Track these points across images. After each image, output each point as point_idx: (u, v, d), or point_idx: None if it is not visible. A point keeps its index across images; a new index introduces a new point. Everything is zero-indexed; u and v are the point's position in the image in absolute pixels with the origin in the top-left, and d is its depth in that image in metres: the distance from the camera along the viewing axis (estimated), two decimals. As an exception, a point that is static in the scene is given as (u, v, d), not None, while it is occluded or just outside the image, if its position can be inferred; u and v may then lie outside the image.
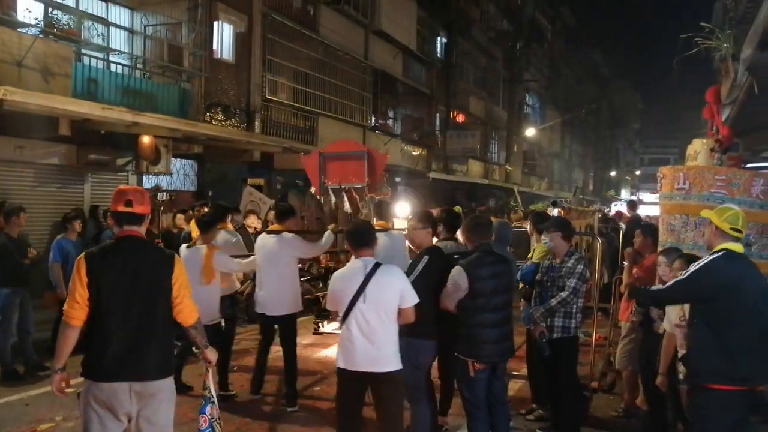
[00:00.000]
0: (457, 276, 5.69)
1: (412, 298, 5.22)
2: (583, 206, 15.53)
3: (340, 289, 5.22)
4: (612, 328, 10.35)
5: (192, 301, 4.51)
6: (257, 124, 17.48)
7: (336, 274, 5.52)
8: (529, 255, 7.84)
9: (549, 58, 48.84)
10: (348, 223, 10.02)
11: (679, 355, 5.48)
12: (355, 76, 22.34)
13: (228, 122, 16.56)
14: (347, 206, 10.48)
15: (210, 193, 15.64)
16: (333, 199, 10.68)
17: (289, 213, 8.09)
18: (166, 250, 4.60)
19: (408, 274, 5.99)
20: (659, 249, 7.06)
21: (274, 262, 7.71)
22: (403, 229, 9.18)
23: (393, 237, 8.18)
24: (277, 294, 7.69)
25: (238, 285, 8.77)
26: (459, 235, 7.52)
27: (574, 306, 6.48)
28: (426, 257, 6.00)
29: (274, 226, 8.11)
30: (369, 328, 5.10)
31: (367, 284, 5.11)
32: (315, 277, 11.12)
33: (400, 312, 5.21)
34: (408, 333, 5.91)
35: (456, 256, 6.36)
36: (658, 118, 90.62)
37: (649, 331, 6.29)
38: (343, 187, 10.73)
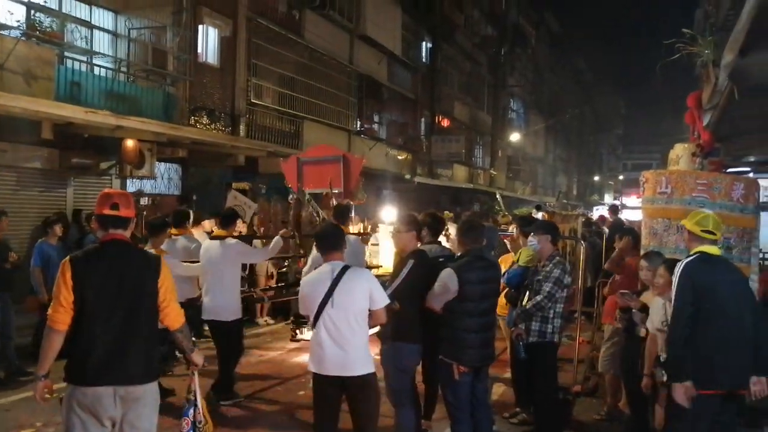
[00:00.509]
0: (447, 278, 5.70)
1: (381, 299, 5.18)
2: (567, 210, 15.58)
3: (308, 294, 5.18)
4: (595, 332, 10.42)
5: (178, 304, 4.49)
6: (242, 127, 17.45)
7: (304, 278, 5.51)
8: (514, 258, 7.87)
9: (533, 64, 49.08)
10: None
11: (661, 359, 5.52)
12: (340, 80, 22.36)
13: (213, 126, 16.52)
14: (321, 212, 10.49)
15: (194, 198, 15.57)
16: (311, 203, 10.68)
17: (232, 218, 8.10)
18: (151, 254, 4.60)
19: (393, 277, 6.04)
20: (641, 252, 7.11)
21: (218, 267, 7.74)
22: (362, 234, 9.56)
23: (349, 242, 8.17)
24: (221, 300, 7.70)
25: (196, 291, 8.65)
26: (442, 238, 7.57)
27: (551, 311, 6.49)
28: (411, 261, 5.99)
29: (218, 232, 8.10)
30: (338, 333, 5.05)
31: (335, 289, 5.06)
32: (291, 284, 11.06)
33: (371, 314, 5.16)
34: (393, 337, 5.93)
35: (441, 260, 6.40)
36: (641, 123, 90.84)
37: (632, 334, 6.34)
38: (322, 192, 10.73)
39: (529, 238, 6.96)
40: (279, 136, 18.84)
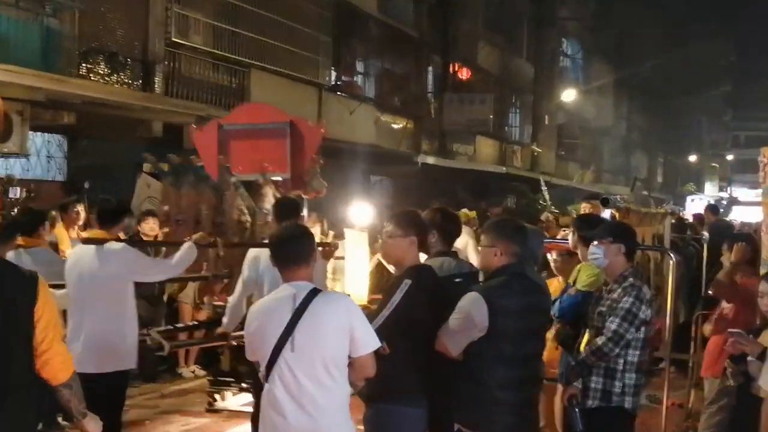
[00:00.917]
0: (472, 307, 5.67)
1: (368, 341, 5.16)
2: (648, 207, 15.62)
3: (258, 330, 5.18)
4: (692, 390, 10.45)
5: (64, 347, 4.55)
6: (158, 80, 17.52)
7: (253, 307, 5.49)
8: (571, 279, 7.85)
9: (597, -14, 49.18)
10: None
11: None
12: (306, 10, 22.37)
13: (115, 78, 16.55)
14: (267, 205, 10.01)
15: (86, 185, 15.58)
16: (243, 193, 10.22)
17: (118, 214, 7.68)
18: (25, 270, 4.63)
19: (381, 307, 5.91)
20: (762, 270, 7.17)
21: (93, 289, 7.26)
22: (322, 244, 8.79)
23: None
24: (97, 342, 7.17)
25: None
26: (462, 247, 7.57)
27: (620, 360, 6.44)
28: (407, 282, 5.83)
29: (94, 233, 7.76)
30: (300, 391, 5.03)
31: (296, 324, 5.02)
32: (212, 321, 10.05)
33: (352, 363, 5.16)
34: (380, 396, 5.85)
35: (457, 280, 6.40)
36: (758, 76, 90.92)
37: (748, 394, 6.34)
38: (257, 178, 10.25)
39: (591, 247, 6.87)
40: (214, 93, 18.93)
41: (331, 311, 5.08)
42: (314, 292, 5.10)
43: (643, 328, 6.46)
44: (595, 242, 6.75)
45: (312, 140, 10.47)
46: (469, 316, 5.65)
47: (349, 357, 5.12)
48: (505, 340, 5.67)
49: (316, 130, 10.77)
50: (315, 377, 5.03)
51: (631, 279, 6.56)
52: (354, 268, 9.25)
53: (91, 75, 16.00)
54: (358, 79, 27.48)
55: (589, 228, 7.49)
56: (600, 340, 6.37)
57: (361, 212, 10.48)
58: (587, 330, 6.69)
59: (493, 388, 5.67)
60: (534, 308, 5.87)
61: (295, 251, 5.26)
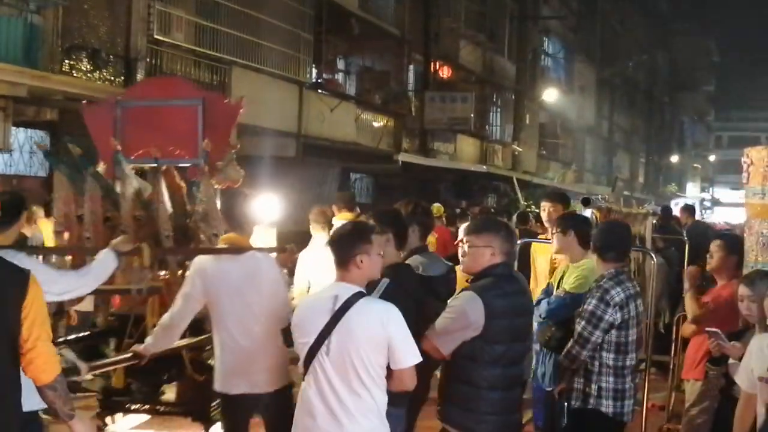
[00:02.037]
0: (469, 305, 5.71)
1: (409, 355, 5.13)
2: (630, 207, 15.82)
3: (296, 326, 5.26)
4: (672, 392, 10.50)
5: (51, 346, 4.49)
6: (140, 77, 17.47)
7: (304, 300, 5.52)
8: (554, 280, 7.83)
9: (580, -15, 49.32)
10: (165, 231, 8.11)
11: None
12: (288, 7, 22.39)
13: (98, 74, 16.62)
14: (167, 200, 8.21)
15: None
16: (135, 185, 8.32)
17: (16, 207, 6.38)
18: (15, 265, 4.63)
19: None
20: (744, 272, 7.25)
21: None
22: (277, 249, 7.97)
23: (257, 261, 6.85)
24: None
25: None
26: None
27: (596, 363, 6.51)
28: (385, 281, 5.68)
29: None
30: (331, 394, 5.07)
31: (333, 328, 5.05)
32: (102, 332, 8.61)
33: (391, 375, 5.16)
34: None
35: (436, 276, 6.47)
36: (741, 76, 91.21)
37: (729, 397, 6.43)
38: (159, 163, 8.37)
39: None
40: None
41: (369, 320, 5.07)
42: (357, 296, 5.11)
43: (614, 332, 6.45)
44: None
45: (228, 120, 9.04)
46: (465, 315, 5.68)
47: (388, 368, 5.11)
48: (498, 341, 5.71)
49: (234, 108, 9.41)
50: (347, 383, 5.05)
51: (603, 281, 6.57)
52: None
53: (73, 71, 16.07)
54: (339, 76, 27.54)
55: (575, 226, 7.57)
56: (570, 343, 6.51)
57: (269, 205, 9.12)
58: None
59: (483, 389, 5.73)
60: (524, 309, 6.01)
61: (339, 251, 5.30)
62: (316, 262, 9.07)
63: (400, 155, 27.85)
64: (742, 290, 6.47)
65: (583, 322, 6.42)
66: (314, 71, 24.35)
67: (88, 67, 16.48)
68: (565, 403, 6.61)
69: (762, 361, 5.65)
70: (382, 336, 5.04)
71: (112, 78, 16.99)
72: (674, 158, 78.18)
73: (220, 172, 8.63)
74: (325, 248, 7.02)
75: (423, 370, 5.57)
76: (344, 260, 5.22)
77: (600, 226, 7.69)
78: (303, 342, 5.16)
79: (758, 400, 5.66)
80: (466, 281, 6.14)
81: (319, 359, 5.07)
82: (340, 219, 9.83)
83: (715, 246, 8.12)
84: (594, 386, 6.49)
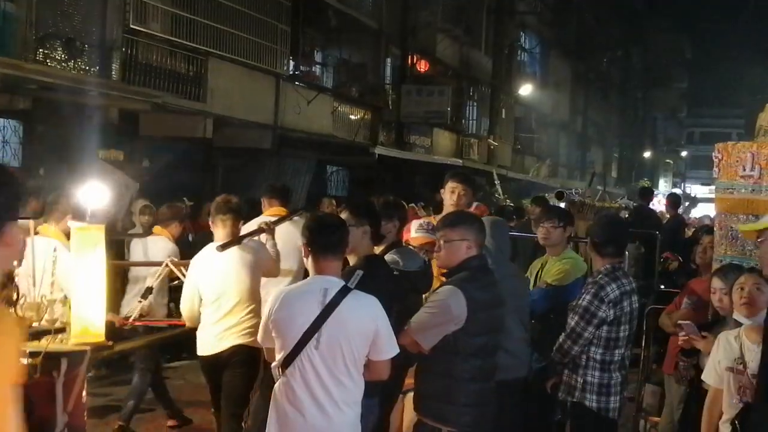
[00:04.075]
0: (452, 299, 5.72)
1: (390, 347, 5.25)
2: (604, 201, 15.81)
3: (284, 317, 5.18)
4: (642, 385, 10.49)
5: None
6: (115, 67, 17.42)
7: (281, 293, 5.37)
8: (530, 274, 7.90)
9: (556, -19, 49.36)
10: None
11: (725, 417, 5.63)
12: (265, -2, 22.33)
13: (71, 64, 16.45)
14: None
15: (41, 172, 15.51)
16: None
17: None
18: None
19: None
20: (714, 266, 7.27)
21: None
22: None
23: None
24: None
25: None
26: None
27: (583, 356, 6.57)
28: (359, 273, 5.69)
29: None
30: (319, 386, 5.10)
31: (324, 321, 5.06)
32: None
33: (369, 365, 5.24)
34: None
35: (414, 271, 6.47)
36: (714, 73, 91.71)
37: (699, 389, 6.46)
38: None
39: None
40: (171, 80, 18.85)
41: (361, 313, 5.16)
42: (345, 290, 5.16)
43: (605, 327, 6.52)
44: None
45: None
46: (448, 309, 5.69)
47: (367, 358, 5.21)
48: (478, 333, 5.76)
49: None
50: (335, 375, 5.11)
51: (599, 277, 6.65)
52: (84, 278, 6.53)
53: (47, 60, 15.89)
54: (316, 68, 27.41)
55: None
56: (561, 337, 6.57)
57: (96, 197, 7.01)
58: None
59: (464, 381, 5.76)
60: (500, 300, 5.98)
61: (336, 241, 5.35)
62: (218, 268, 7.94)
63: (377, 148, 27.83)
64: (716, 283, 6.62)
65: (576, 317, 6.50)
66: (291, 63, 24.30)
67: (63, 56, 16.30)
68: (560, 396, 6.71)
69: (729, 353, 5.71)
70: (371, 329, 5.15)
71: (87, 67, 16.81)
72: (647, 154, 78.74)
73: None
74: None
75: (400, 363, 5.70)
76: (334, 248, 5.31)
77: (597, 220, 7.74)
78: (290, 336, 5.11)
79: (725, 392, 5.70)
80: (440, 276, 6.22)
81: (307, 352, 5.07)
82: (271, 214, 9.34)
83: (703, 242, 8.44)
84: (579, 379, 6.59)
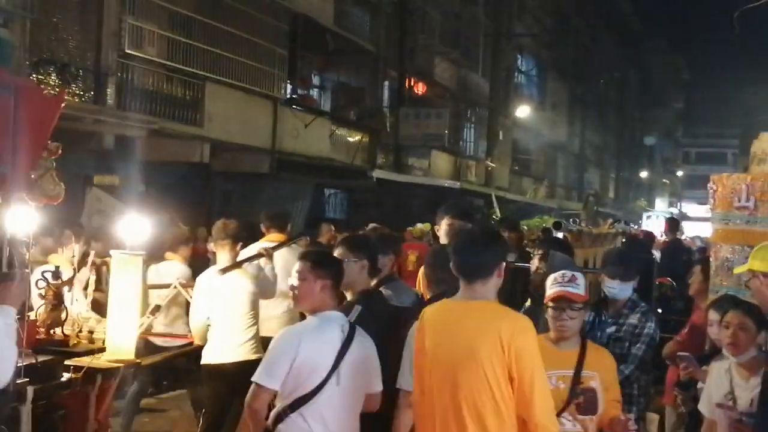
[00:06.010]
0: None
1: (380, 380, 5.35)
2: (600, 225, 15.66)
3: (314, 357, 5.11)
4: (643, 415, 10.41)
5: None
6: (111, 92, 17.32)
7: (297, 331, 5.34)
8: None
9: (553, 3, 49.38)
10: None
11: None
12: (263, 22, 22.28)
13: (66, 89, 16.31)
14: None
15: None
16: None
17: None
18: None
19: None
20: (710, 297, 7.11)
21: None
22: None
23: None
24: None
25: None
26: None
27: (636, 386, 6.60)
28: (357, 308, 5.80)
29: None
30: (338, 424, 5.12)
31: (343, 358, 5.11)
32: None
33: (366, 398, 5.32)
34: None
35: (407, 306, 6.30)
36: (710, 94, 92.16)
37: (698, 420, 6.36)
38: None
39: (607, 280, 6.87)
40: (168, 105, 18.76)
41: (368, 348, 5.31)
42: (354, 327, 5.29)
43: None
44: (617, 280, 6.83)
45: (48, 117, 6.71)
46: None
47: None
48: None
49: (55, 101, 7.15)
50: (352, 411, 5.21)
51: (643, 303, 6.83)
52: (120, 305, 6.93)
53: (42, 86, 15.76)
54: (314, 92, 27.37)
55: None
56: (627, 369, 6.47)
57: (136, 227, 7.43)
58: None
59: None
60: None
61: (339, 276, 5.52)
62: (220, 291, 8.38)
63: (375, 171, 27.97)
64: (712, 315, 6.51)
65: (644, 347, 6.60)
66: (289, 87, 24.23)
67: (57, 81, 16.16)
68: None
69: (720, 386, 5.76)
70: (374, 364, 5.30)
71: (82, 93, 16.71)
72: (643, 174, 79.08)
73: (34, 183, 6.51)
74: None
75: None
76: (338, 281, 5.43)
77: (620, 247, 7.76)
78: (317, 374, 5.10)
79: (718, 428, 5.72)
80: None
81: (328, 391, 5.08)
82: (269, 240, 9.97)
83: (695, 272, 8.39)
84: (634, 410, 6.55)
